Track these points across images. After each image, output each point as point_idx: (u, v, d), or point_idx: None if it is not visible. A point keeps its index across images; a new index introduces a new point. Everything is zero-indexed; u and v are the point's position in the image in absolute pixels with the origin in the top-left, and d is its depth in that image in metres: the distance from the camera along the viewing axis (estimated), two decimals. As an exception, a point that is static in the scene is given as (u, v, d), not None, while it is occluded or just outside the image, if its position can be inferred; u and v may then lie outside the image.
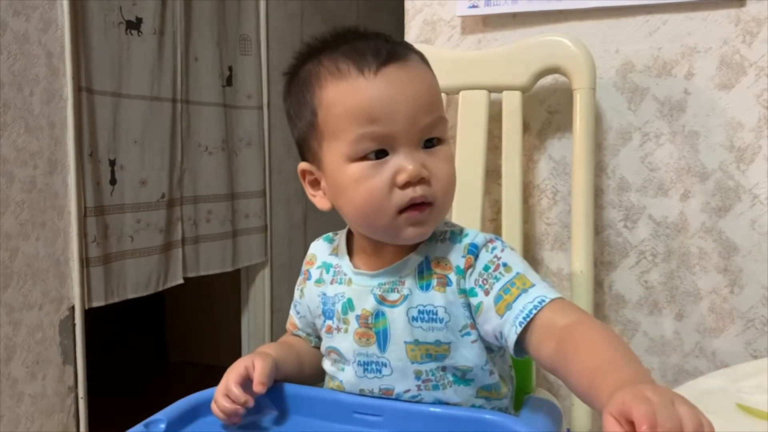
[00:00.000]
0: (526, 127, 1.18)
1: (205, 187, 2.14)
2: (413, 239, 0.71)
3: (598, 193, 1.13)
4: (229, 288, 2.49)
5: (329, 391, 0.78)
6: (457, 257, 0.72)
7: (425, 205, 0.68)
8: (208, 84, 2.14)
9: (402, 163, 0.67)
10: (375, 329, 0.73)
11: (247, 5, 2.31)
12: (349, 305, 0.75)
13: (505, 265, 0.70)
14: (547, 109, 1.17)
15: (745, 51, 1.05)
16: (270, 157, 2.43)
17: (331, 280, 0.78)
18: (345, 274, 0.77)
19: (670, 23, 1.09)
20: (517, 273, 0.69)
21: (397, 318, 0.72)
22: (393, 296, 0.72)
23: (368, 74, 0.67)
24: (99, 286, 1.70)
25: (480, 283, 0.70)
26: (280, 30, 2.50)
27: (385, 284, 0.73)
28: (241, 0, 2.29)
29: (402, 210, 0.68)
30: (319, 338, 0.82)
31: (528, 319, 0.65)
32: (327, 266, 0.79)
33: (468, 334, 0.71)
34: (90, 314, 1.69)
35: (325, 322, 0.78)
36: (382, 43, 0.69)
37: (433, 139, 0.70)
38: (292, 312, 0.86)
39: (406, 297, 0.72)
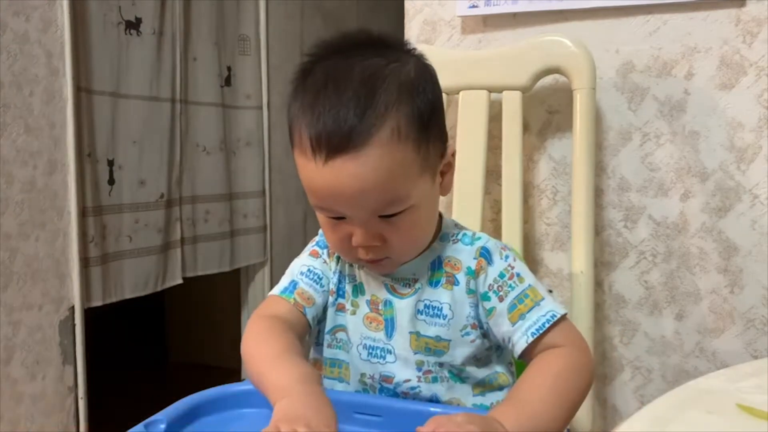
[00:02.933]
0: (526, 127, 1.18)
1: (203, 187, 2.14)
2: (379, 274, 0.76)
3: (598, 193, 1.13)
4: (229, 288, 2.49)
5: (329, 391, 0.77)
6: (468, 258, 0.75)
7: (383, 259, 0.72)
8: (206, 84, 2.14)
9: (354, 232, 0.69)
10: (384, 316, 0.76)
11: (246, 5, 2.31)
12: (360, 289, 0.78)
13: (518, 275, 0.75)
14: (547, 109, 1.17)
15: (745, 51, 1.05)
16: (270, 157, 2.42)
17: (344, 260, 0.80)
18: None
19: (670, 23, 1.09)
20: (530, 285, 0.74)
21: (404, 309, 0.75)
22: (404, 290, 0.76)
23: (318, 161, 0.65)
24: (97, 286, 1.70)
25: (495, 289, 0.74)
26: (280, 30, 2.49)
27: (398, 278, 0.76)
28: (240, 0, 2.29)
29: (361, 259, 0.72)
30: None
31: (540, 332, 0.71)
32: None
33: (468, 333, 0.75)
34: (90, 314, 1.69)
35: (337, 299, 0.79)
36: (345, 114, 0.64)
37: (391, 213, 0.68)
38: (305, 286, 0.78)
39: (416, 290, 0.75)
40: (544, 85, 1.15)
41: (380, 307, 0.76)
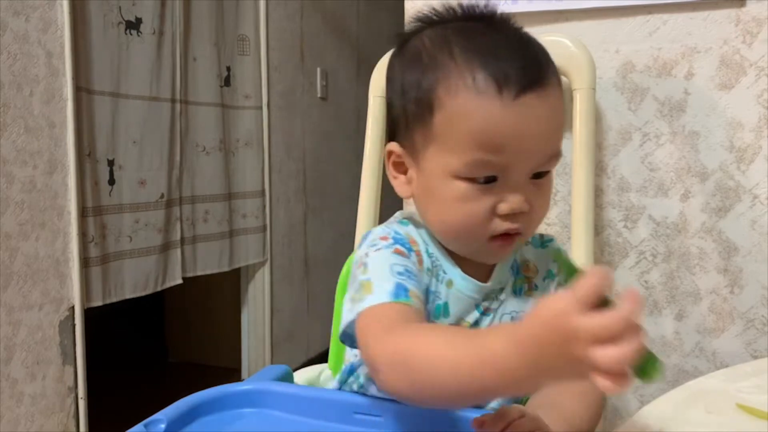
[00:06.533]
0: (525, 127, 1.17)
1: (202, 187, 2.14)
2: (492, 261, 0.69)
3: (598, 193, 1.13)
4: (229, 288, 2.49)
5: (330, 391, 0.78)
6: (546, 261, 0.73)
7: (515, 235, 0.65)
8: (206, 84, 2.14)
9: (508, 195, 0.63)
10: None
11: (245, 5, 2.31)
12: (444, 309, 0.69)
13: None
14: (546, 109, 1.17)
15: (745, 51, 1.05)
16: (270, 157, 2.43)
17: (430, 272, 0.69)
18: (445, 273, 0.69)
19: (670, 23, 1.09)
20: None
21: (490, 323, 0.71)
22: (494, 305, 0.71)
23: (507, 97, 0.59)
24: (97, 286, 1.70)
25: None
26: (280, 30, 2.49)
27: (489, 292, 0.70)
28: (240, 0, 2.29)
29: (494, 236, 0.65)
30: None
31: None
32: (430, 255, 0.69)
33: None
34: (90, 314, 1.69)
35: None
36: (525, 55, 0.62)
37: (544, 171, 0.65)
38: (412, 286, 0.62)
39: (502, 302, 0.71)
40: (544, 85, 1.15)
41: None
